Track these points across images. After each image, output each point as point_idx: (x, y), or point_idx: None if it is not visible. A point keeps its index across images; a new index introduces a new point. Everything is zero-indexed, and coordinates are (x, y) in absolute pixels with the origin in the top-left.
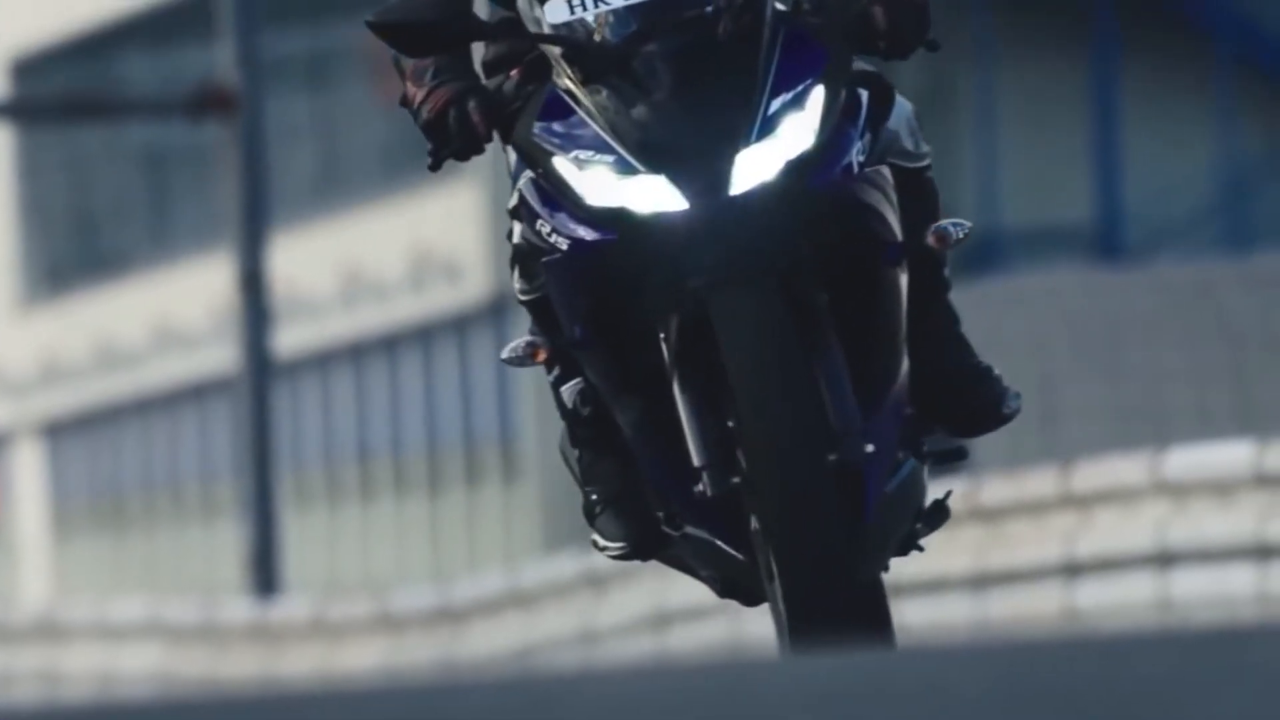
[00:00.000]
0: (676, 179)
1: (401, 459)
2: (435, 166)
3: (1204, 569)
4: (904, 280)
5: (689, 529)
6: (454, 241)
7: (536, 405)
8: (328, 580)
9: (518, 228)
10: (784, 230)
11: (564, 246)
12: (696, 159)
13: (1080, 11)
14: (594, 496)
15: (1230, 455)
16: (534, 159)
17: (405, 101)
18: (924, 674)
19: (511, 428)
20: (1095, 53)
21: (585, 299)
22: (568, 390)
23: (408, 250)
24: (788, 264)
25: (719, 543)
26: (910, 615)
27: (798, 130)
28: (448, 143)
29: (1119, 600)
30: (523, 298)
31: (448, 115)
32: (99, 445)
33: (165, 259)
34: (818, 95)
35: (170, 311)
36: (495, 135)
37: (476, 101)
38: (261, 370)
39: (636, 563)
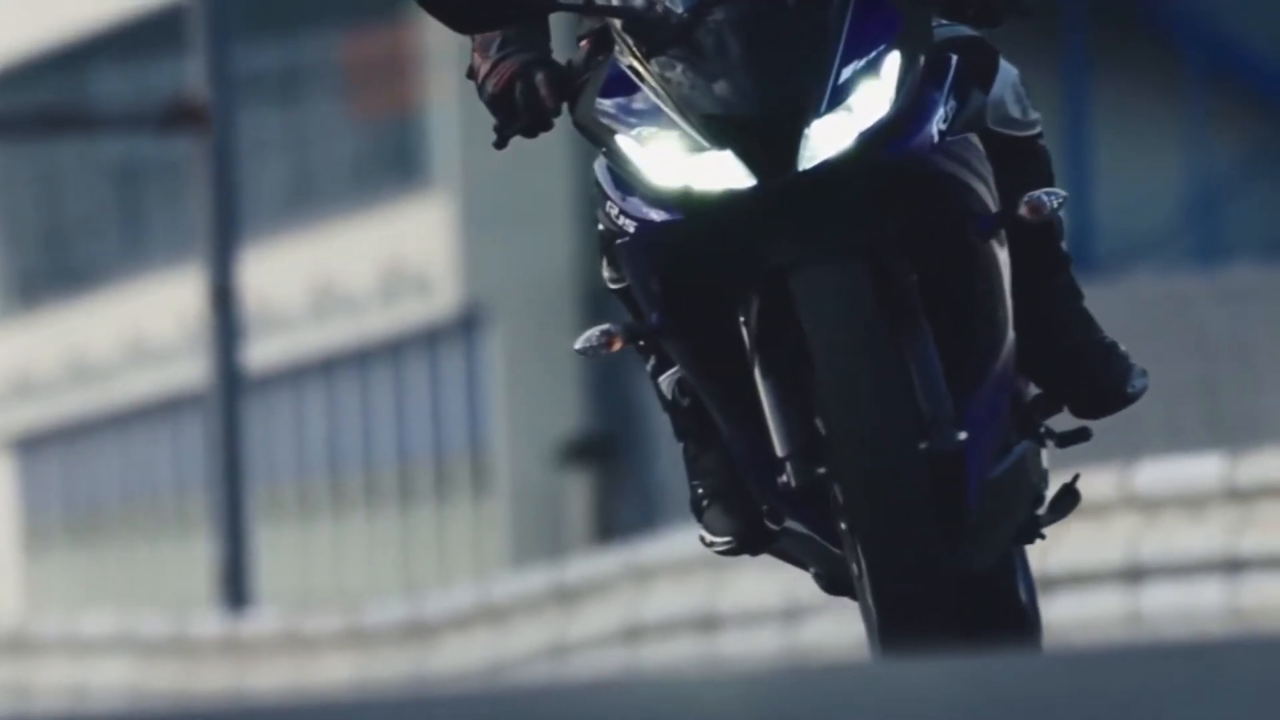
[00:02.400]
0: (743, 154)
1: (372, 473)
2: (501, 144)
3: (1174, 583)
4: (1003, 254)
5: (788, 522)
6: (424, 255)
7: (507, 419)
8: (299, 594)
9: (600, 212)
10: (861, 206)
11: (631, 229)
12: (763, 133)
13: (1050, 25)
14: (700, 490)
15: (1201, 469)
16: (597, 138)
17: (471, 74)
18: (893, 686)
19: (482, 441)
20: (1066, 66)
21: (657, 283)
22: (665, 381)
23: (378, 264)
24: (870, 241)
25: (815, 536)
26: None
27: (871, 99)
28: (514, 119)
29: (1089, 614)
30: (611, 286)
31: (514, 89)
32: (71, 459)
33: (137, 273)
34: (892, 61)
35: (142, 325)
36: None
37: (545, 74)
38: (232, 384)
39: (610, 575)
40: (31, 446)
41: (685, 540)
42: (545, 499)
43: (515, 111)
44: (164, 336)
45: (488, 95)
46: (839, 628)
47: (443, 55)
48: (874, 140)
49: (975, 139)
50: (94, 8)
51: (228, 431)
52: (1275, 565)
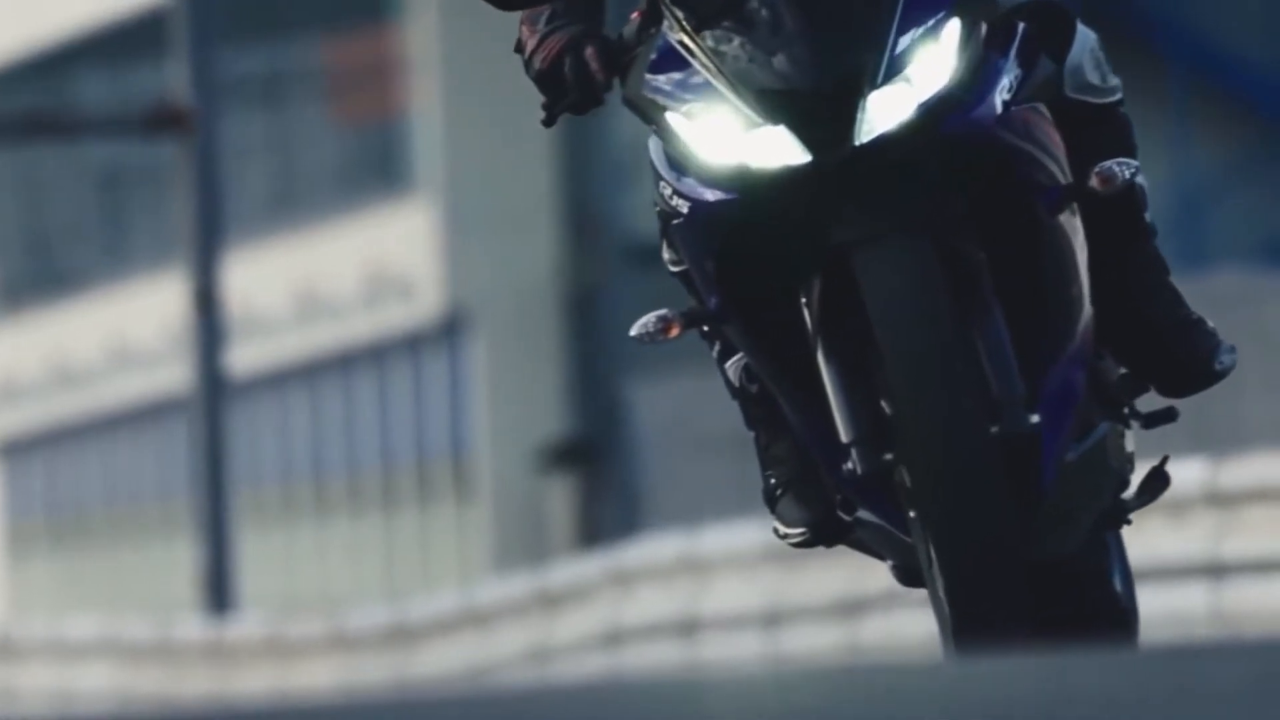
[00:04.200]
0: (798, 129)
1: (356, 477)
2: (549, 122)
3: (1157, 588)
4: (1075, 226)
5: (861, 512)
6: (408, 260)
7: (489, 423)
8: (282, 599)
9: (655, 193)
10: (923, 180)
11: (685, 210)
12: (819, 106)
13: None
14: (772, 480)
15: (1183, 474)
16: (647, 115)
17: (519, 48)
18: (895, 688)
19: (464, 446)
20: None
21: (714, 265)
22: (731, 367)
23: (362, 268)
24: (935, 216)
25: (887, 526)
26: (870, 633)
27: (930, 69)
28: (563, 95)
29: None
30: (671, 269)
31: (562, 64)
32: (54, 464)
33: (120, 277)
34: (952, 29)
35: (125, 330)
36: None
37: (594, 48)
38: (216, 389)
39: (592, 579)
40: (15, 451)
41: (666, 545)
42: (528, 503)
43: (564, 88)
44: (147, 341)
45: (535, 71)
46: (821, 634)
47: (426, 60)
48: (934, 112)
49: (1043, 108)
50: (77, 11)
51: (211, 436)
52: (1259, 569)
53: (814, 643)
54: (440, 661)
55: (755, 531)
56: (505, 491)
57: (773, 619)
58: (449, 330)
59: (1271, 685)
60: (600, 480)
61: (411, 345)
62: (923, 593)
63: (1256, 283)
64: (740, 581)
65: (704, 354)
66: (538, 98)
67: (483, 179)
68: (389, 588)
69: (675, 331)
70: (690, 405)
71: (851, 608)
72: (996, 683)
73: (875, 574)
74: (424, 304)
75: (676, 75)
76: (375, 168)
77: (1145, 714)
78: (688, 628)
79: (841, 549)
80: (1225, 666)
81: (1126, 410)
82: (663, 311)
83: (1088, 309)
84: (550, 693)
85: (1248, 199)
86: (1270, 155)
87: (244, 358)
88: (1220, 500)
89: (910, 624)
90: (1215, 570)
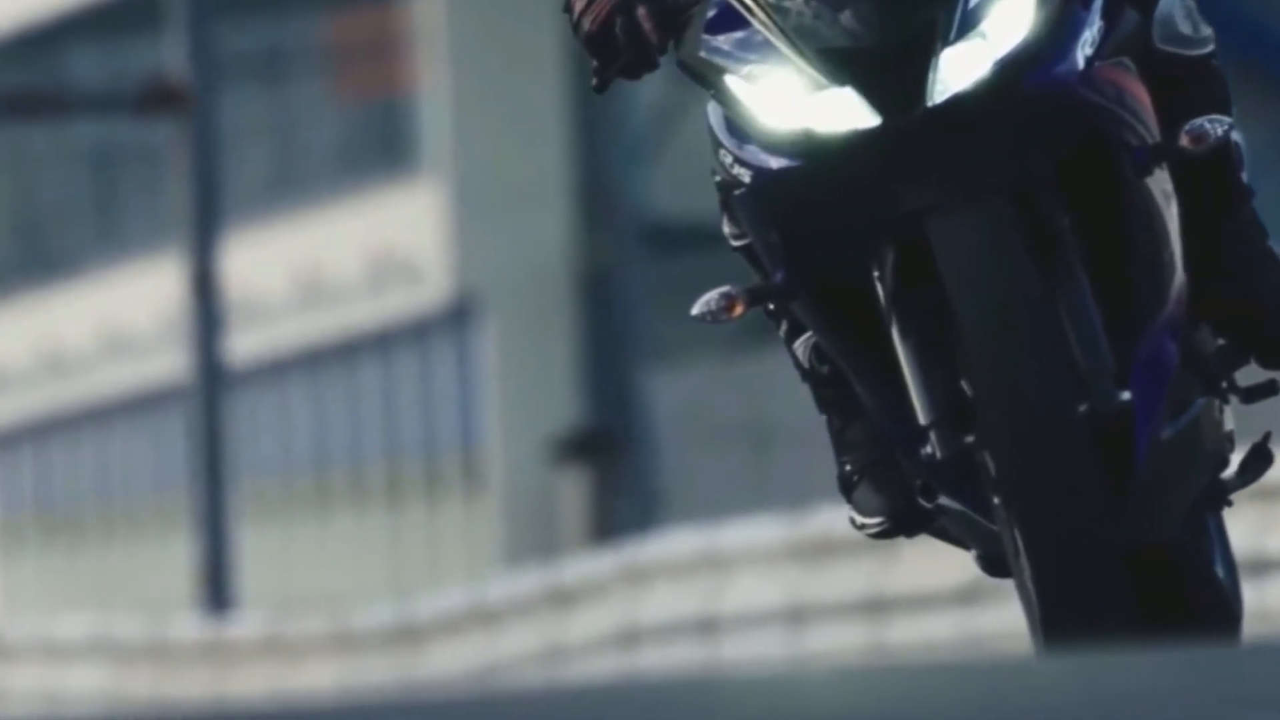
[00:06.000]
0: (866, 90)
1: (359, 470)
2: (601, 88)
3: None
4: (1166, 188)
5: (942, 499)
6: (414, 242)
7: (500, 414)
8: (282, 597)
9: (714, 161)
10: (1001, 141)
11: (747, 179)
12: (888, 65)
13: None
14: (847, 467)
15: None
16: (704, 79)
17: (567, 8)
18: (894, 693)
19: (474, 437)
20: None
21: (779, 237)
22: (800, 346)
23: (366, 252)
24: (1014, 180)
25: (970, 512)
26: (898, 632)
27: (1007, 24)
28: (614, 58)
29: None
30: (733, 243)
31: (613, 26)
32: (45, 456)
33: (113, 262)
34: None
35: (119, 316)
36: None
37: (647, 7)
38: (213, 377)
39: (606, 576)
40: (4, 443)
41: (684, 540)
42: (540, 497)
43: (615, 50)
44: (142, 328)
45: (584, 33)
46: (846, 633)
47: (433, 35)
48: (1012, 68)
49: (1129, 62)
50: None
51: (208, 427)
52: None
53: (839, 642)
54: (448, 662)
55: (776, 526)
56: (516, 484)
57: (796, 617)
58: (457, 316)
59: None
60: (615, 473)
61: (418, 332)
62: (952, 588)
63: None
64: (761, 578)
65: (724, 340)
66: (548, 72)
67: (492, 157)
68: (394, 585)
69: (739, 310)
70: (710, 394)
71: (878, 606)
72: (1053, 684)
73: (902, 570)
74: (431, 289)
75: (735, 35)
76: (380, 147)
77: (1249, 714)
78: (706, 627)
79: (865, 543)
80: (1271, 666)
81: (1224, 384)
82: (726, 288)
83: (1180, 276)
84: (562, 695)
85: None
86: None
87: (243, 345)
88: (1264, 495)
89: (940, 623)
90: (1258, 566)
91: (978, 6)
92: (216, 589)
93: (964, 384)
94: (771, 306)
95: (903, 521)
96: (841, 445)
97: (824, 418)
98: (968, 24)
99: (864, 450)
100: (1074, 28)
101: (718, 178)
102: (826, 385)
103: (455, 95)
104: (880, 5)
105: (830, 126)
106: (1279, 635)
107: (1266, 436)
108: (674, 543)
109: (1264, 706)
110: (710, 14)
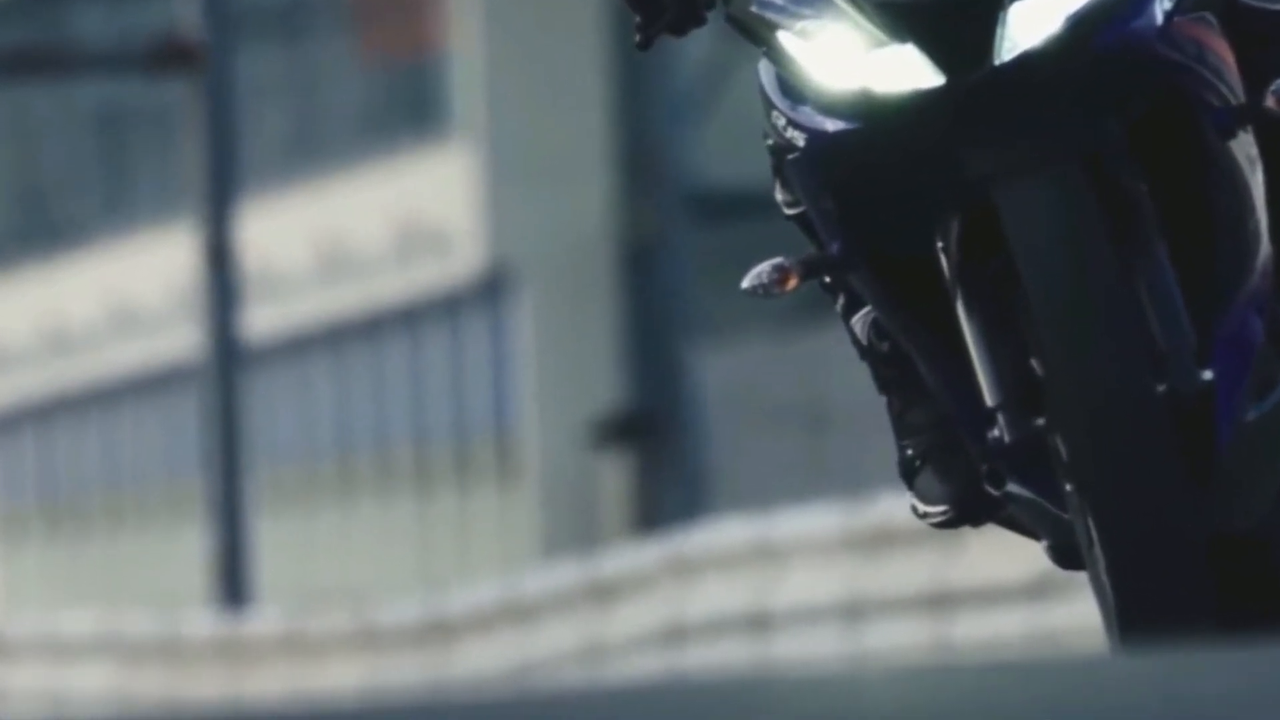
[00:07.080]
0: (929, 47)
1: (386, 455)
2: (645, 45)
3: None
4: (1251, 152)
5: (1011, 486)
6: (443, 211)
7: (536, 395)
8: (303, 591)
9: (766, 124)
10: (1074, 103)
11: (801, 142)
12: (953, 20)
13: None
14: (909, 451)
15: None
16: (755, 35)
17: None
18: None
19: (508, 420)
20: None
21: (835, 204)
22: (858, 322)
23: (392, 221)
24: (1088, 144)
25: (1041, 500)
26: (962, 628)
27: None
28: (658, 14)
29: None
30: (787, 211)
31: None
32: (48, 441)
33: (122, 232)
34: None
35: (128, 290)
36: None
37: None
38: (229, 356)
39: (650, 569)
40: (5, 426)
41: (734, 530)
42: (579, 484)
43: (660, 5)
44: (152, 302)
45: None
46: (907, 629)
47: None
48: (1085, 24)
49: (1211, 18)
50: None
51: (224, 409)
52: None
53: (899, 640)
54: (480, 661)
55: (833, 515)
56: (553, 470)
57: (853, 613)
58: (490, 290)
59: None
60: (660, 458)
61: (448, 307)
62: (1021, 581)
63: None
64: (817, 570)
65: (777, 315)
66: (588, 28)
67: (527, 120)
68: (423, 579)
69: (793, 283)
70: (762, 373)
71: (940, 600)
72: (1129, 684)
73: (968, 562)
74: (462, 261)
75: None
76: (407, 108)
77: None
78: (757, 623)
79: (928, 533)
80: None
81: None
82: (778, 260)
83: (1266, 246)
84: (602, 695)
85: None
86: None
87: (261, 321)
88: None
89: (1008, 619)
90: None
91: None
92: (232, 582)
93: (1034, 362)
94: (827, 279)
95: (968, 510)
96: (902, 428)
97: (883, 399)
98: None
99: (927, 433)
100: None
101: (770, 141)
102: (886, 364)
103: (488, 53)
104: None
105: (890, 86)
106: None
107: None
108: (723, 532)
109: None
110: None
